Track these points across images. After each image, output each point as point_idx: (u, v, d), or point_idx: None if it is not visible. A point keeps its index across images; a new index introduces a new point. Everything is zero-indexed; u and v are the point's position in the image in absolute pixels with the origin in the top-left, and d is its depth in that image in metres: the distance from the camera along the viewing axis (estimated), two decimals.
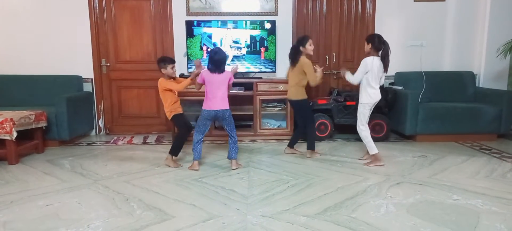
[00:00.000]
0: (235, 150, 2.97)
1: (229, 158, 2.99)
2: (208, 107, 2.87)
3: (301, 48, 3.17)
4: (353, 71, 3.10)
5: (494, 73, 4.45)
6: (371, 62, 2.95)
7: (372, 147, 3.05)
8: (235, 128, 2.98)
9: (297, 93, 3.23)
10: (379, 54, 2.98)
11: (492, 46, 4.28)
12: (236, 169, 2.96)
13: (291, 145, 3.48)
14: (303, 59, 3.15)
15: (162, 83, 3.03)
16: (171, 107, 3.08)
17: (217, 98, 2.85)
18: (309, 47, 3.17)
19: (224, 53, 2.91)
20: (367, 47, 3.01)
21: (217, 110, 2.86)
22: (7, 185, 2.65)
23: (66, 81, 4.19)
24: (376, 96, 3.04)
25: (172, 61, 3.08)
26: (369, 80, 2.98)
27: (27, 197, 2.41)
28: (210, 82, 2.85)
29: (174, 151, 3.08)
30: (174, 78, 3.13)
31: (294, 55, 3.20)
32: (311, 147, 3.34)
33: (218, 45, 4.08)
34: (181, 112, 3.16)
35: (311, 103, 4.08)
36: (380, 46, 2.96)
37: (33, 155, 3.49)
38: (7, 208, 2.23)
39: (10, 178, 2.82)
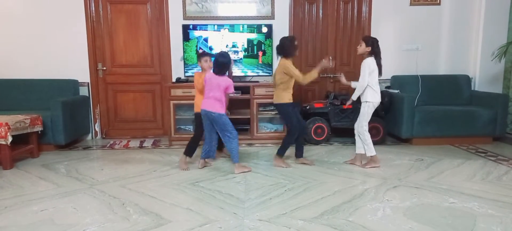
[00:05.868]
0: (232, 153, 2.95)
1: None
2: (201, 107, 2.93)
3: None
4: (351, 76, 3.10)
5: (489, 77, 4.48)
6: (372, 62, 2.95)
7: (372, 149, 3.06)
8: (228, 132, 2.89)
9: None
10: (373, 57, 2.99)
11: (487, 50, 4.31)
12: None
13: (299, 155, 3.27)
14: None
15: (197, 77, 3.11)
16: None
17: (208, 99, 2.89)
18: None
19: (229, 58, 2.92)
20: (364, 48, 2.97)
21: (206, 110, 2.88)
22: (1, 190, 2.62)
23: (62, 85, 4.16)
24: (379, 97, 3.04)
25: (207, 54, 3.15)
26: (373, 79, 2.98)
27: (21, 202, 2.38)
28: (209, 82, 2.90)
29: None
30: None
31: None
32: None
33: (214, 48, 4.09)
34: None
35: (308, 107, 4.09)
36: (376, 50, 2.96)
37: (28, 160, 3.46)
38: (2, 213, 2.21)
39: (5, 183, 2.79)
